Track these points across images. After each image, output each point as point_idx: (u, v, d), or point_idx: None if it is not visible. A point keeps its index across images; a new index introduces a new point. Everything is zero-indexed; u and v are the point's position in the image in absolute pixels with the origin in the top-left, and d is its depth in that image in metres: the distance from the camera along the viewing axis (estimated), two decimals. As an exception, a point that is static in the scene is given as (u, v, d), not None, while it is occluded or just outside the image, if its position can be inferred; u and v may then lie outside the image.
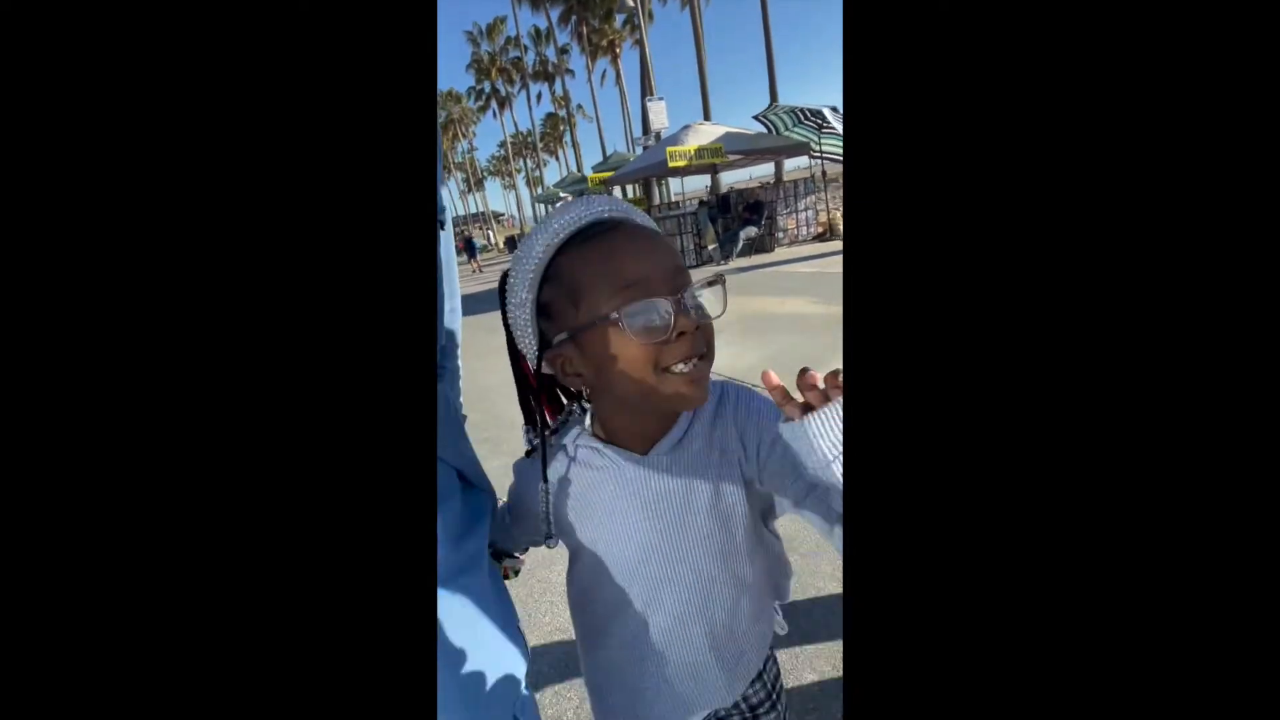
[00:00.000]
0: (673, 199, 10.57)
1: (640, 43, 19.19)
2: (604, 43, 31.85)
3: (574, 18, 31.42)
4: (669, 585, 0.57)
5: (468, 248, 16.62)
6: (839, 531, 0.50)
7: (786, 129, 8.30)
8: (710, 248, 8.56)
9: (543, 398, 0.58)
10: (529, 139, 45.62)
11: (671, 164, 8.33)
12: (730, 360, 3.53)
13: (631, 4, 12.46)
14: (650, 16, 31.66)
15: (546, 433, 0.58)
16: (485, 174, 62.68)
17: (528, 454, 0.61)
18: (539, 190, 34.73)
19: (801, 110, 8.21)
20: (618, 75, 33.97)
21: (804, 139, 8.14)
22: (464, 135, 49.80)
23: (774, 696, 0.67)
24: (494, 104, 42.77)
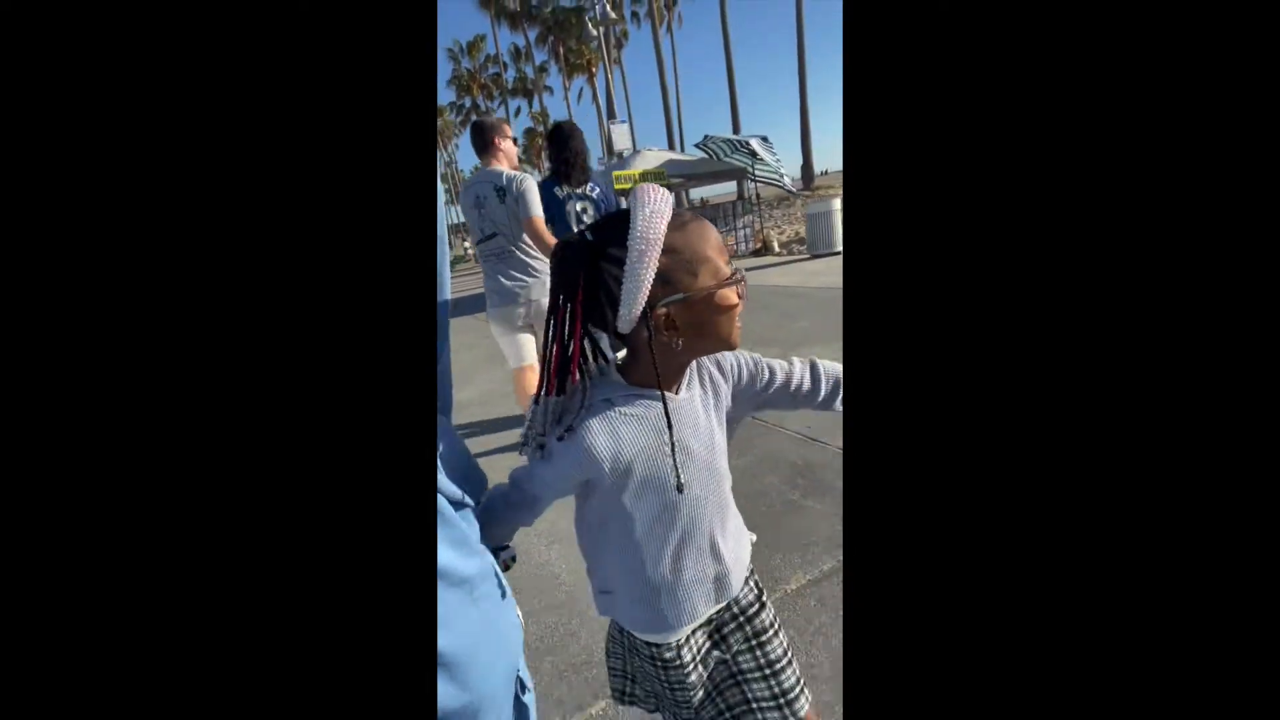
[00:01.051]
0: None
1: (607, 69, 20.27)
2: (581, 62, 33.02)
3: (551, 38, 32.59)
4: (708, 491, 0.68)
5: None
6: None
7: (725, 156, 9.33)
8: (653, 261, 9.51)
9: (576, 363, 0.64)
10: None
11: (617, 186, 9.31)
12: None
13: (595, 34, 13.45)
14: (625, 36, 32.92)
15: (581, 387, 0.64)
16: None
17: (536, 440, 0.66)
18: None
19: (735, 140, 9.24)
20: (594, 94, 35.14)
21: (741, 164, 9.16)
22: (444, 147, 50.54)
23: (761, 599, 0.78)
24: (474, 118, 43.63)
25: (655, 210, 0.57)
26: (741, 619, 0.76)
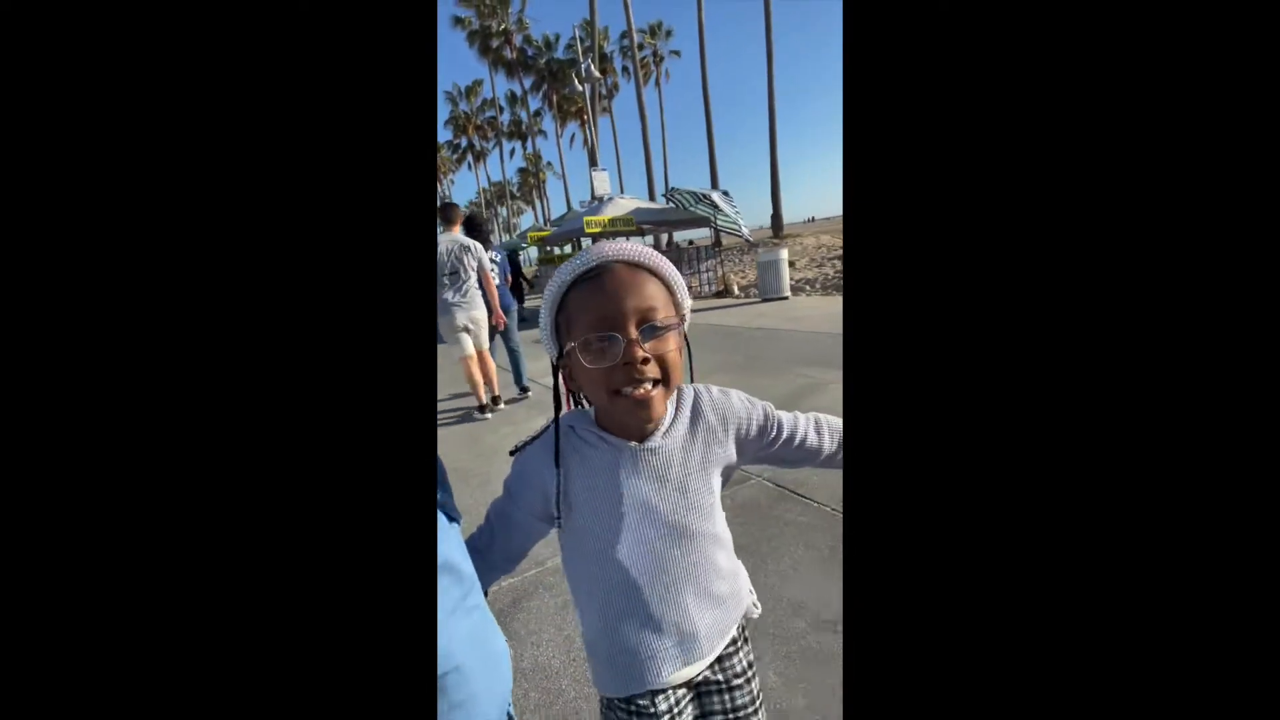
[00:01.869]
0: None
1: (593, 120, 21.58)
2: (573, 109, 34.78)
3: (545, 86, 34.38)
4: (667, 549, 0.64)
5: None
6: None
7: (689, 206, 10.19)
8: (620, 299, 10.24)
9: (567, 394, 0.69)
10: (508, 188, 48.15)
11: (588, 230, 10.09)
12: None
13: (581, 88, 14.57)
14: (616, 88, 34.76)
15: (556, 417, 0.67)
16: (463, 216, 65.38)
17: (521, 446, 0.69)
18: (506, 238, 36.81)
19: (698, 193, 10.13)
20: (585, 139, 36.86)
21: (705, 214, 10.01)
22: (440, 183, 52.14)
23: (749, 673, 0.72)
24: (470, 157, 45.29)
25: (566, 266, 0.61)
26: (725, 688, 0.71)
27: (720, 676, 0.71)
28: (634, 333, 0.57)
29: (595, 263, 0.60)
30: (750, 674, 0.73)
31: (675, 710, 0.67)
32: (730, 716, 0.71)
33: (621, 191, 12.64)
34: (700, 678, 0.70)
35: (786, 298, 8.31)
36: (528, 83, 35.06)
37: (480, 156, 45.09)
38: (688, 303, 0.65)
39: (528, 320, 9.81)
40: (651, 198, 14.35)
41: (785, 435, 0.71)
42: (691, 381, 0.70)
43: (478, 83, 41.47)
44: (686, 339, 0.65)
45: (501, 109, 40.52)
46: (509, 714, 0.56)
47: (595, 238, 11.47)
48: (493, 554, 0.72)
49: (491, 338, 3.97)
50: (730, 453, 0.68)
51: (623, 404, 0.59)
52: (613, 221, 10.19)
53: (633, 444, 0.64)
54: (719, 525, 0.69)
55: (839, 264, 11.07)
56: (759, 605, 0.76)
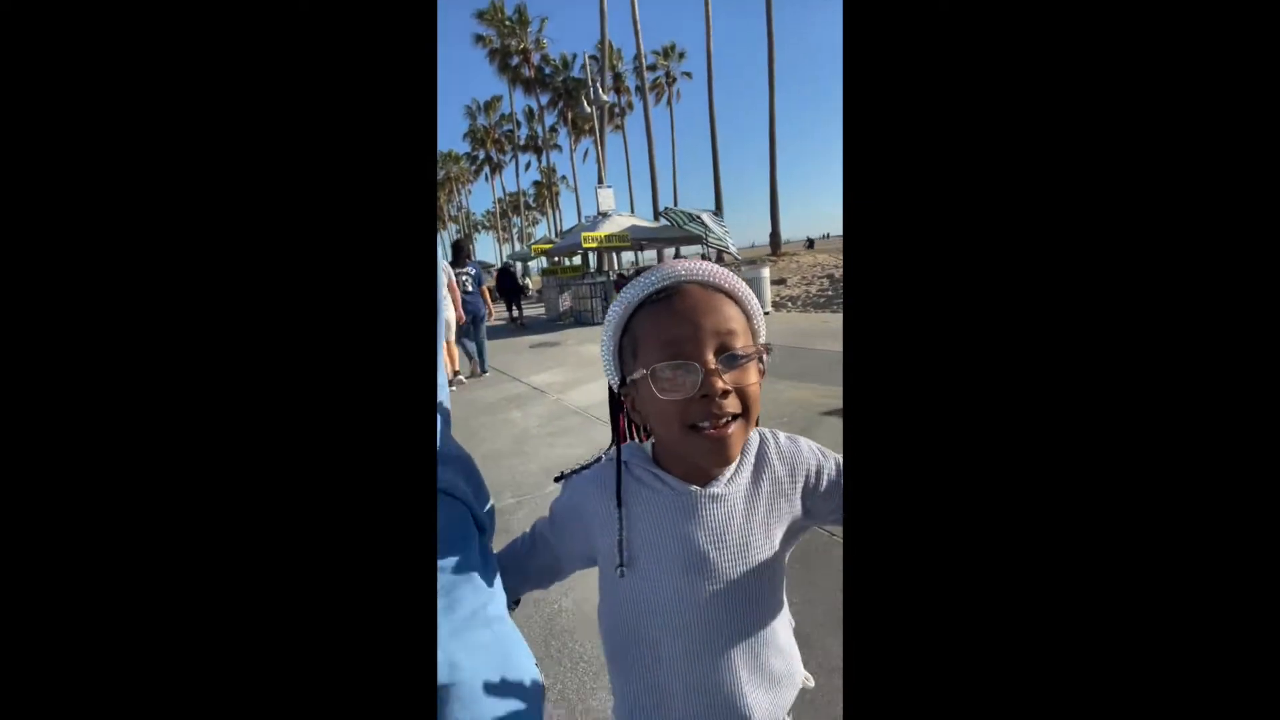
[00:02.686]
0: (624, 268, 13.15)
1: (599, 140, 22.47)
2: (586, 126, 35.86)
3: (561, 103, 35.53)
4: (721, 612, 0.56)
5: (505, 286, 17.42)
6: None
7: (683, 225, 10.88)
8: (614, 310, 10.94)
9: (622, 419, 0.62)
10: (523, 199, 49.45)
11: (585, 245, 10.82)
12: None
13: (589, 110, 15.41)
14: (630, 106, 35.82)
15: (615, 449, 0.61)
16: (479, 227, 66.77)
17: (570, 473, 0.63)
18: (519, 247, 37.79)
19: (690, 212, 10.83)
20: (598, 154, 37.92)
21: (697, 232, 10.69)
22: (458, 193, 53.55)
23: None
24: (487, 169, 46.64)
25: (634, 284, 0.55)
26: None
27: None
28: (713, 362, 0.51)
29: (667, 282, 0.54)
30: None
31: None
32: None
33: (632, 208, 13.36)
34: None
35: (767, 313, 8.92)
36: (544, 99, 36.30)
37: (497, 169, 46.42)
38: (763, 326, 0.59)
39: (529, 327, 10.50)
40: (656, 216, 15.05)
41: None
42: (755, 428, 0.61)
43: (496, 98, 42.89)
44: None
45: (519, 123, 41.80)
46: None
47: (592, 251, 12.21)
48: (529, 568, 0.68)
49: (465, 334, 5.77)
50: (797, 508, 0.60)
51: (698, 442, 0.52)
52: (609, 237, 10.90)
53: (694, 489, 0.57)
54: (779, 591, 0.61)
55: (825, 282, 11.65)
56: (811, 678, 0.68)
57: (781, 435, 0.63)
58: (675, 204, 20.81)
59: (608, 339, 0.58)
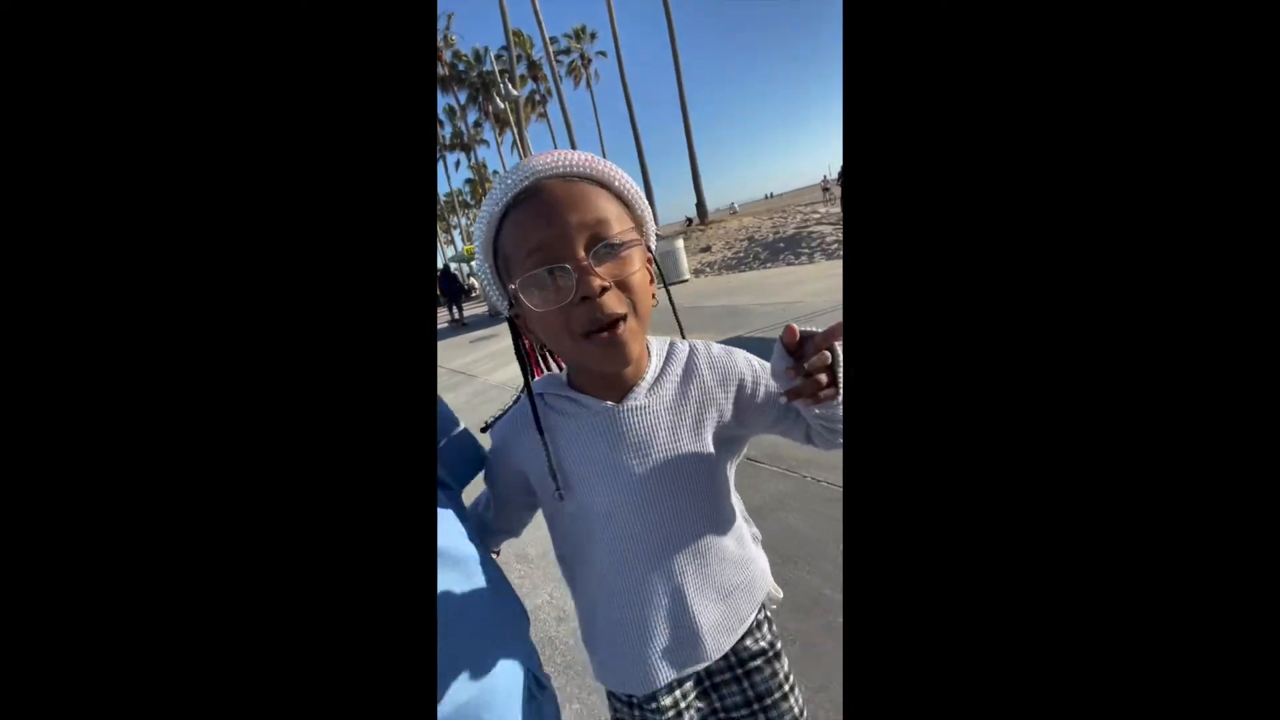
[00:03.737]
0: None
1: (518, 132, 22.68)
2: (510, 119, 35.61)
3: (480, 98, 35.16)
4: (656, 527, 0.55)
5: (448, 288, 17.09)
6: (815, 434, 0.56)
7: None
8: (548, 297, 11.56)
9: (530, 354, 0.59)
10: (456, 198, 48.79)
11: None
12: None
13: (503, 105, 15.73)
14: (549, 93, 35.74)
15: (528, 382, 0.58)
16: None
17: (492, 422, 0.61)
18: (461, 248, 37.71)
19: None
20: (523, 146, 37.76)
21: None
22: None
23: (770, 653, 0.63)
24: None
25: (491, 193, 0.49)
26: (740, 671, 0.62)
27: (732, 661, 0.62)
28: (584, 258, 0.45)
29: (525, 182, 0.47)
30: (771, 653, 0.63)
31: (682, 704, 0.60)
32: (756, 705, 0.62)
33: None
34: (706, 669, 0.62)
35: (686, 280, 9.72)
36: (463, 96, 35.82)
37: (426, 171, 45.58)
38: (649, 217, 0.53)
39: (469, 325, 10.94)
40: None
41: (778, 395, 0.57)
42: (683, 339, 0.59)
43: (414, 99, 41.79)
44: (658, 265, 0.54)
45: (441, 123, 41.09)
46: (535, 676, 0.52)
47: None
48: (493, 523, 0.68)
49: None
50: (728, 416, 0.57)
51: (591, 350, 0.48)
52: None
53: (610, 404, 0.54)
54: (723, 502, 0.59)
55: (744, 245, 12.47)
56: (780, 590, 0.66)
57: (715, 345, 0.60)
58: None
59: (482, 261, 0.52)
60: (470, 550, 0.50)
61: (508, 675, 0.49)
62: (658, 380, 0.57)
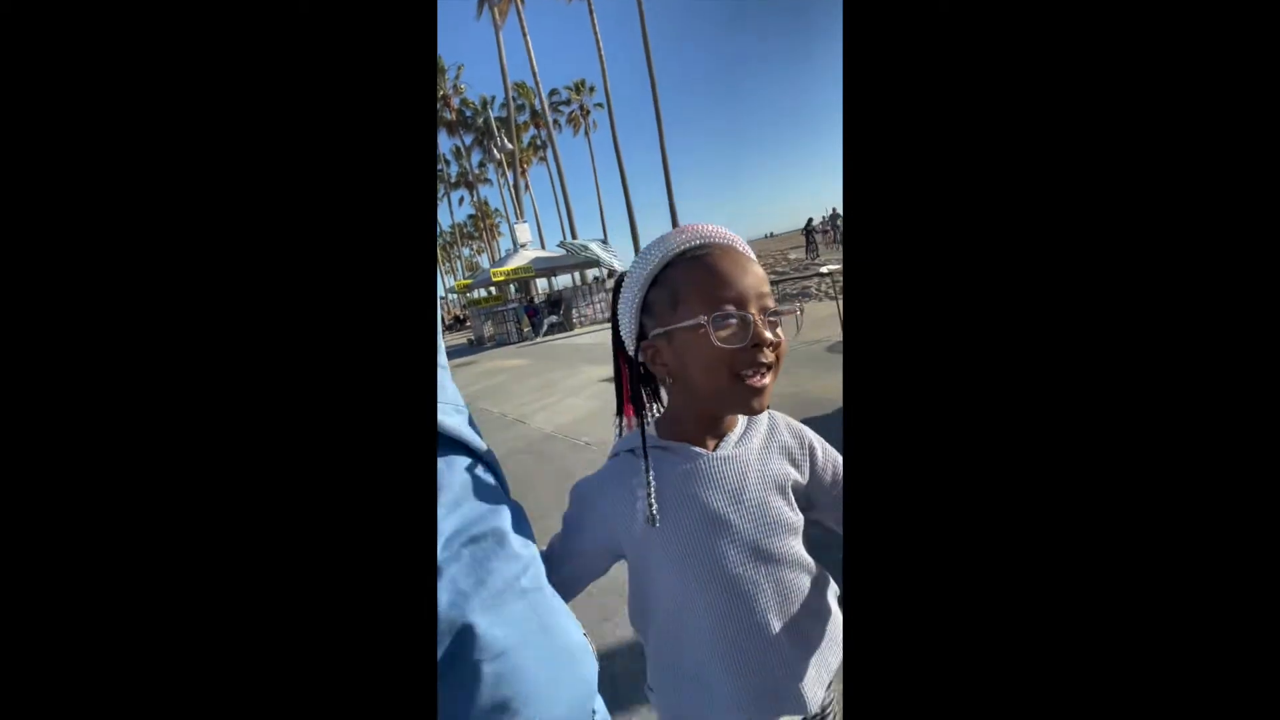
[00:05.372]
0: (539, 294, 15.18)
1: (516, 180, 24.58)
2: (511, 161, 37.91)
3: (484, 141, 37.51)
4: (746, 573, 0.57)
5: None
6: None
7: (579, 253, 13.01)
8: (525, 330, 12.92)
9: (625, 391, 0.64)
10: (458, 231, 51.01)
11: (494, 279, 12.84)
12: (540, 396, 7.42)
13: (499, 156, 17.47)
14: (550, 140, 38.16)
15: (633, 418, 0.63)
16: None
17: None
18: (454, 279, 39.55)
19: (581, 242, 12.99)
20: (526, 186, 40.01)
21: (591, 258, 12.85)
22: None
23: (836, 714, 0.66)
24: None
25: (659, 243, 0.57)
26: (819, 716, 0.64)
27: (818, 715, 0.63)
28: (759, 316, 0.54)
29: (702, 240, 0.57)
30: (836, 714, 0.67)
31: None
32: None
33: (563, 234, 15.38)
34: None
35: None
36: (468, 139, 38.20)
37: (431, 206, 47.93)
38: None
39: (452, 354, 12.26)
40: (576, 237, 17.37)
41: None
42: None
43: (423, 140, 44.35)
44: None
45: (448, 162, 43.50)
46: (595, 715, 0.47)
47: (497, 285, 14.16)
48: (559, 569, 0.65)
49: None
50: (806, 480, 0.62)
51: (741, 389, 0.54)
52: (514, 271, 12.93)
53: (704, 452, 0.59)
54: (803, 551, 0.61)
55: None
56: None
57: (790, 418, 0.66)
58: (602, 226, 23.04)
59: (631, 293, 0.58)
60: (542, 582, 0.47)
61: (570, 709, 0.43)
62: (746, 434, 0.62)
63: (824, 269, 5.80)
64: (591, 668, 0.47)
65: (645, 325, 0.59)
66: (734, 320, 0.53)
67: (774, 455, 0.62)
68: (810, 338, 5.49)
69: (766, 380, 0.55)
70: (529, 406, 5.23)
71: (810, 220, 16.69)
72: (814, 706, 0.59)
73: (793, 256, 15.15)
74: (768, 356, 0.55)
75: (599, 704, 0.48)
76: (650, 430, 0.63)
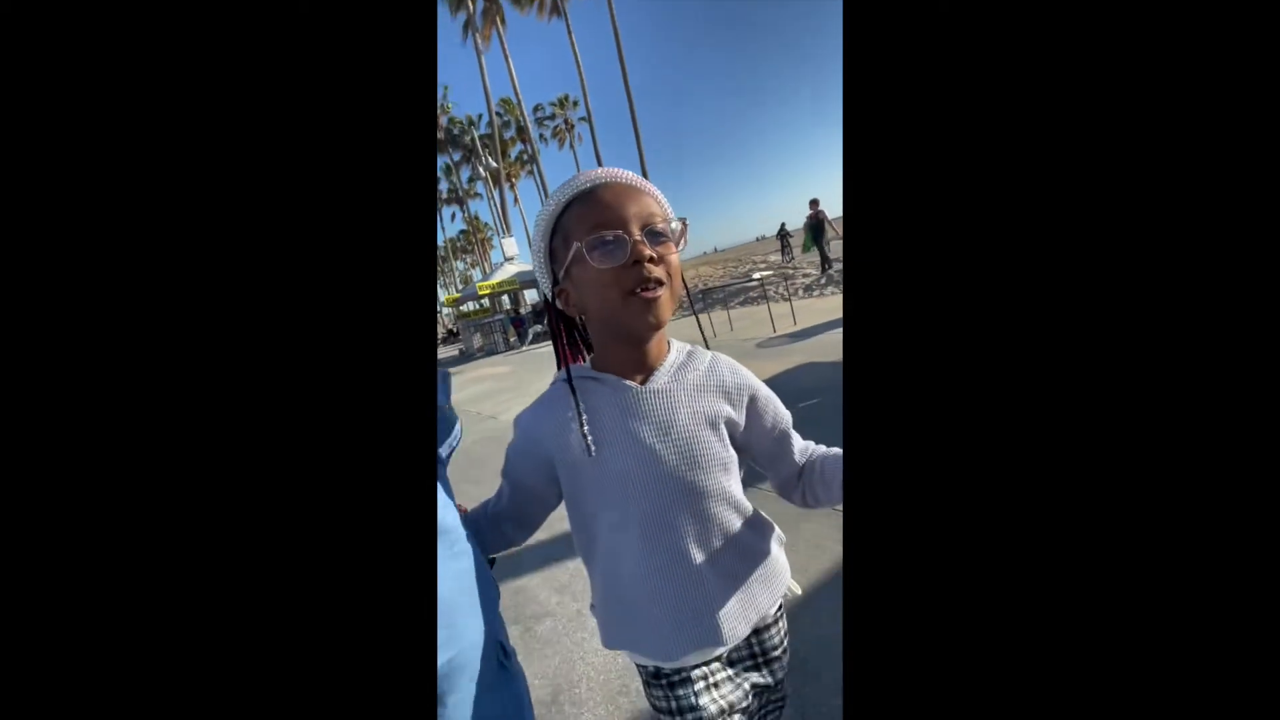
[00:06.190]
0: (527, 305, 15.96)
1: (501, 196, 25.38)
2: (504, 175, 38.75)
3: (472, 159, 38.41)
4: (673, 500, 0.59)
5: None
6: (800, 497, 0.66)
7: (560, 264, 13.79)
8: (512, 339, 13.67)
9: (562, 336, 0.67)
10: (451, 245, 51.92)
11: (480, 293, 13.60)
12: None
13: (484, 174, 18.29)
14: (536, 154, 39.05)
15: (564, 367, 0.65)
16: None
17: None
18: (450, 291, 40.38)
19: (562, 255, 13.79)
20: (516, 199, 40.92)
21: (572, 269, 13.62)
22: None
23: (784, 644, 0.69)
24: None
25: (558, 191, 0.60)
26: (761, 660, 0.68)
27: (755, 650, 0.68)
28: (639, 234, 0.57)
29: (589, 184, 0.60)
30: (785, 644, 0.70)
31: (711, 679, 0.63)
32: (774, 695, 0.68)
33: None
34: (729, 654, 0.65)
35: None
36: (456, 156, 39.10)
37: (423, 223, 48.96)
38: (677, 227, 0.62)
39: (443, 362, 12.97)
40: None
41: (789, 435, 0.67)
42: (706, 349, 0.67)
43: (413, 159, 45.29)
44: (684, 280, 0.64)
45: (438, 178, 44.38)
46: (501, 644, 0.55)
47: (490, 298, 14.93)
48: (505, 521, 0.71)
49: None
50: (741, 419, 0.64)
51: (634, 304, 0.57)
52: (500, 284, 13.69)
53: (635, 384, 0.61)
54: (735, 489, 0.63)
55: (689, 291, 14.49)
56: (799, 587, 0.70)
57: (733, 360, 0.67)
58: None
59: (539, 243, 0.62)
60: (454, 520, 0.52)
61: (482, 641, 0.51)
62: (680, 369, 0.63)
63: (755, 275, 6.53)
64: (496, 598, 0.55)
65: (556, 272, 0.62)
66: (610, 241, 0.56)
67: (709, 392, 0.63)
68: (745, 335, 6.23)
69: (659, 293, 0.57)
70: (502, 405, 5.95)
71: (783, 225, 17.47)
72: (731, 640, 0.61)
73: (772, 258, 15.90)
74: (652, 271, 0.57)
75: (502, 630, 0.56)
76: (586, 365, 0.67)
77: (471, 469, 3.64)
